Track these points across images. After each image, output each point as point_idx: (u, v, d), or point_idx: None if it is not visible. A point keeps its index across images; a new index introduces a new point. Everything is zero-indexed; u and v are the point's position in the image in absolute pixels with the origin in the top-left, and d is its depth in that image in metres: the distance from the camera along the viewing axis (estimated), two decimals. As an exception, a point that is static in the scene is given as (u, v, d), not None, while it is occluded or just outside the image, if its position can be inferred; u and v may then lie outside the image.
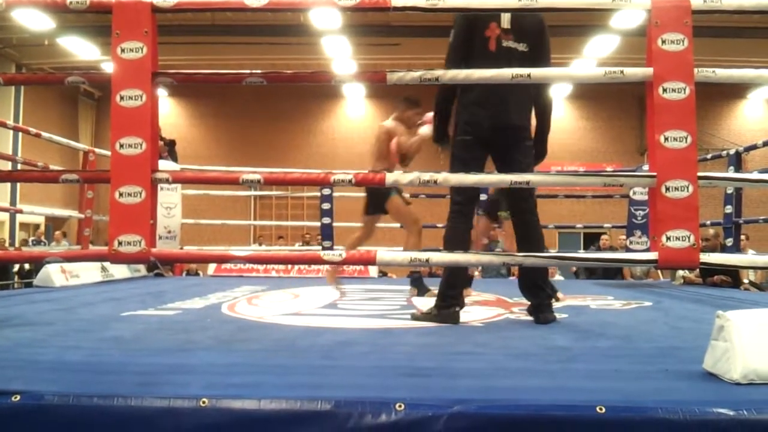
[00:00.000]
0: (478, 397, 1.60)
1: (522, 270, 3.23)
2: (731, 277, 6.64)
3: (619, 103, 16.81)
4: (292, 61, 14.71)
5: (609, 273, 7.66)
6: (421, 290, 4.64)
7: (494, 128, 3.14)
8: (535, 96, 3.22)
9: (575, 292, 5.00)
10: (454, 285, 3.18)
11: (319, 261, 2.00)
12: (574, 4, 2.01)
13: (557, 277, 8.12)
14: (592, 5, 2.05)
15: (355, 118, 18.88)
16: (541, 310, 3.21)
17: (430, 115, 4.40)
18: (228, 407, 1.57)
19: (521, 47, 3.07)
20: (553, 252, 5.69)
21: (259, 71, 2.25)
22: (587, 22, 13.13)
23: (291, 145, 18.45)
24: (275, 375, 1.93)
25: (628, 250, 6.68)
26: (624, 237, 7.43)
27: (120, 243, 2.05)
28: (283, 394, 1.63)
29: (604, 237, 8.82)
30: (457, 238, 3.15)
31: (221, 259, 2.55)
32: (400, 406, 1.53)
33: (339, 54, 14.56)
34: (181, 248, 6.18)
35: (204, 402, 1.56)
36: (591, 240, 9.93)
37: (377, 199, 4.84)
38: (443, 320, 3.10)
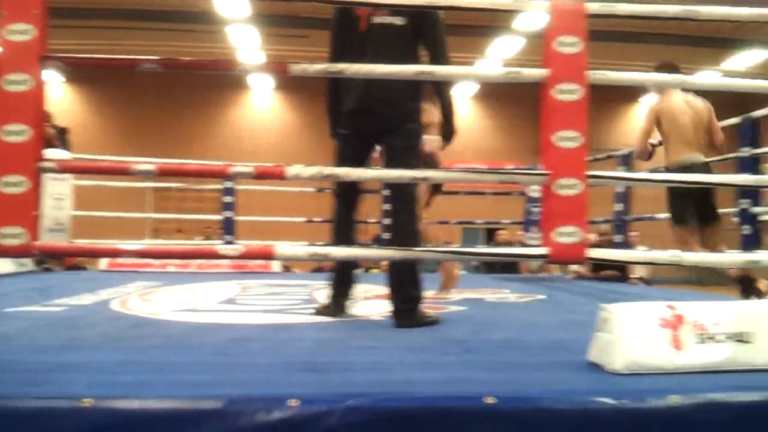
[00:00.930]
0: (373, 391, 1.60)
1: (389, 270, 3.06)
2: (620, 272, 7.01)
3: (521, 103, 17.38)
4: (197, 49, 14.29)
5: (507, 268, 7.91)
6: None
7: (363, 113, 2.94)
8: (415, 51, 2.93)
9: (474, 286, 5.13)
10: (342, 277, 3.12)
11: (214, 255, 1.94)
12: (476, 3, 2.04)
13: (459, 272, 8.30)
14: (493, 5, 2.10)
15: (262, 109, 18.57)
16: (400, 314, 2.94)
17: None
18: (111, 407, 1.50)
19: (398, 21, 2.84)
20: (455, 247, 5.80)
21: (154, 57, 2.16)
22: (491, 23, 13.48)
23: (194, 136, 17.90)
24: (165, 373, 1.88)
25: (524, 245, 6.91)
26: (522, 233, 7.68)
27: (0, 236, 1.92)
28: (172, 392, 1.58)
29: (501, 232, 9.09)
30: (336, 229, 3.09)
31: (110, 253, 2.44)
32: (293, 402, 1.51)
33: (245, 44, 14.27)
34: (72, 242, 5.88)
35: (85, 402, 1.48)
36: (493, 236, 10.29)
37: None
38: (332, 314, 3.08)
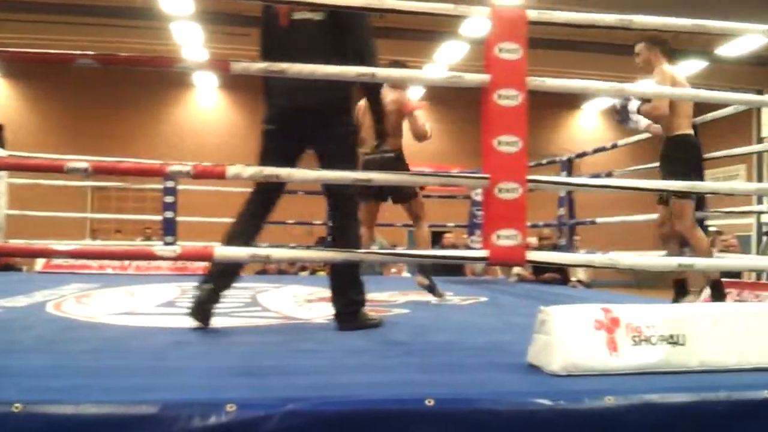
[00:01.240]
0: (312, 395, 1.59)
1: (330, 273, 2.99)
2: (561, 275, 7.15)
3: (467, 107, 17.57)
4: (140, 46, 13.96)
5: (451, 270, 7.99)
6: (433, 284, 4.43)
7: (293, 112, 2.80)
8: (342, 48, 2.74)
9: (418, 288, 5.15)
10: (220, 282, 2.78)
11: (151, 256, 1.89)
12: (418, 8, 2.06)
13: (404, 274, 8.34)
14: (434, 10, 2.11)
15: (206, 108, 18.28)
16: (342, 317, 2.89)
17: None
18: (44, 413, 1.45)
19: (317, 17, 2.74)
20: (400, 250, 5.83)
21: (91, 53, 2.10)
22: (438, 27, 13.59)
23: (135, 134, 17.49)
24: (100, 377, 1.83)
25: (469, 248, 6.98)
26: (466, 236, 7.77)
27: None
28: (106, 397, 1.53)
29: (447, 236, 9.17)
30: (241, 224, 2.86)
31: (43, 253, 2.36)
32: (231, 406, 1.48)
33: (189, 41, 14.02)
34: (6, 241, 5.66)
35: (17, 407, 1.43)
36: (439, 239, 10.42)
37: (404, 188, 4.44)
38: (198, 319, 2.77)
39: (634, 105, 3.93)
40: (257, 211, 2.90)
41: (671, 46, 4.04)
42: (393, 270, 8.66)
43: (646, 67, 3.98)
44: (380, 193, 4.50)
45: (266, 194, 2.91)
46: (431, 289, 4.41)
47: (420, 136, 4.40)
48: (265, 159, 2.82)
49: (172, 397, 1.54)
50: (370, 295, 4.33)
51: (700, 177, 3.76)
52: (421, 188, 4.56)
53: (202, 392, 1.63)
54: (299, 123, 2.80)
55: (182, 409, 1.48)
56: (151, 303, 3.91)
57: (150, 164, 2.03)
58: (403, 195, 4.45)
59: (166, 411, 1.47)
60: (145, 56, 2.09)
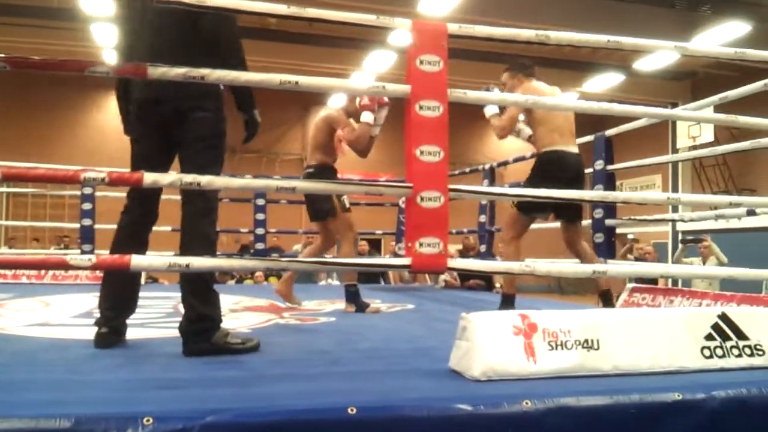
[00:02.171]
0: (233, 406, 1.57)
1: (180, 283, 2.52)
2: (486, 281, 7.30)
3: (398, 116, 17.68)
4: (59, 47, 13.46)
5: (371, 278, 8.10)
6: (360, 306, 4.22)
7: (149, 101, 2.56)
8: (209, 45, 2.46)
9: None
10: (105, 301, 2.61)
11: (64, 266, 1.83)
12: (340, 17, 2.07)
13: (326, 282, 8.34)
14: (358, 21, 2.13)
15: (130, 113, 17.77)
16: (188, 336, 2.44)
17: (366, 99, 4.01)
18: (-55, 431, 1.38)
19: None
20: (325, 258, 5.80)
21: (3, 55, 2.01)
22: (366, 36, 13.68)
23: (54, 138, 16.85)
24: (11, 392, 1.76)
25: (396, 255, 7.04)
26: (394, 243, 7.83)
27: None
28: (18, 412, 1.47)
29: (361, 243, 9.27)
30: (121, 241, 2.62)
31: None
32: (148, 420, 1.45)
33: (110, 43, 13.59)
34: None
35: None
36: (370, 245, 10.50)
37: (316, 204, 4.29)
38: (109, 342, 2.56)
39: (488, 110, 3.92)
40: (138, 219, 2.68)
41: (533, 68, 4.09)
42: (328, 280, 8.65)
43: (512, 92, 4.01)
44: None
45: (144, 201, 2.66)
46: (362, 310, 4.25)
47: (358, 152, 4.34)
48: (137, 165, 2.59)
49: (87, 411, 1.49)
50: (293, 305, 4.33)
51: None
52: (348, 209, 4.41)
53: (118, 405, 1.59)
54: (158, 113, 2.55)
55: (97, 423, 1.43)
56: (66, 313, 3.78)
57: (64, 170, 1.96)
58: (316, 213, 4.34)
59: (80, 426, 1.43)
60: (58, 60, 2.02)
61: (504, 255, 3.86)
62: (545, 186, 3.60)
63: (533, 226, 4.24)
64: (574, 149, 3.92)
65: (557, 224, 4.09)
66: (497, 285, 7.41)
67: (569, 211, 3.94)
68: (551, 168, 3.83)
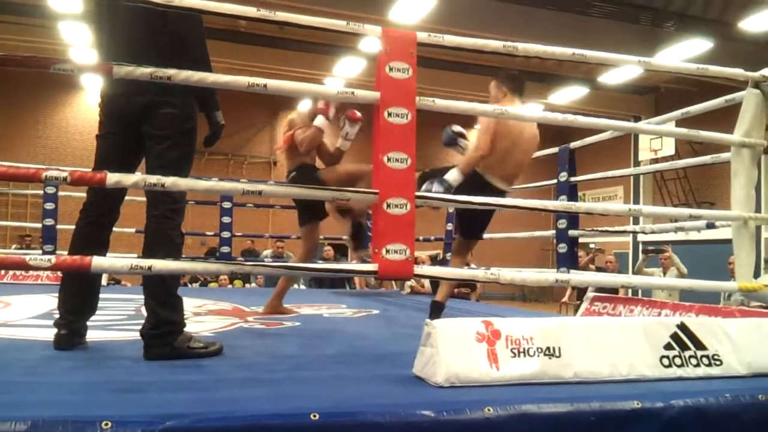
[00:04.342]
0: (193, 411, 1.55)
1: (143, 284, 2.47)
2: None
3: (369, 124, 17.67)
4: (24, 44, 13.21)
5: (336, 283, 8.09)
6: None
7: (123, 98, 2.50)
8: (175, 43, 2.44)
9: (312, 301, 5.14)
10: (64, 302, 2.56)
11: (24, 266, 1.79)
12: (310, 22, 2.07)
13: (296, 287, 8.29)
14: (328, 26, 2.13)
15: (96, 111, 17.45)
16: (149, 340, 2.39)
17: (322, 105, 3.97)
18: None
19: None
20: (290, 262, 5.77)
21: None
22: (338, 42, 13.69)
23: (16, 136, 16.55)
24: (-35, 395, 1.71)
25: (363, 260, 7.03)
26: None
27: None
28: (-29, 415, 1.43)
29: (326, 248, 9.24)
30: (74, 237, 2.57)
31: None
32: (106, 424, 1.42)
33: (78, 41, 13.38)
34: None
35: None
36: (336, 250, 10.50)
37: (307, 206, 4.25)
38: (67, 344, 2.51)
39: (448, 133, 4.02)
40: (99, 218, 2.61)
41: (523, 85, 3.98)
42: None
43: (495, 104, 3.81)
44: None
45: (105, 199, 2.57)
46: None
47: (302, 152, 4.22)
48: (102, 164, 2.48)
49: (44, 414, 1.46)
50: (259, 308, 4.30)
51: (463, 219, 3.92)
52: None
53: (77, 409, 1.57)
54: (126, 107, 2.49)
55: (54, 426, 1.41)
56: (25, 314, 3.70)
57: (25, 169, 1.92)
58: (309, 215, 4.31)
59: (36, 429, 1.40)
60: (22, 56, 1.98)
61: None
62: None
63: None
64: (502, 186, 3.82)
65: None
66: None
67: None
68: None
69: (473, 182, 3.67)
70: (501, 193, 3.74)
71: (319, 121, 4.04)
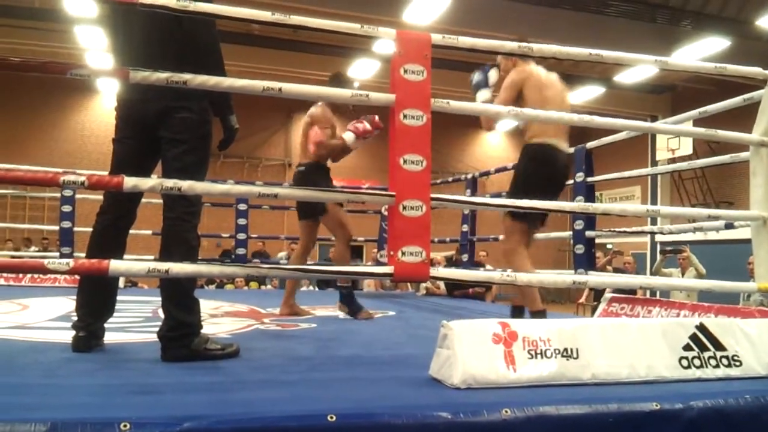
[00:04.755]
0: (211, 413, 1.55)
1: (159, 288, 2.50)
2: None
3: (385, 124, 17.69)
4: (41, 49, 13.36)
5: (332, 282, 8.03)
6: (353, 308, 4.11)
7: (133, 101, 2.54)
8: (190, 48, 2.45)
9: (326, 303, 5.15)
10: (82, 305, 2.59)
11: (42, 269, 1.81)
12: (325, 26, 2.07)
13: (308, 288, 8.32)
14: (342, 29, 2.13)
15: (111, 114, 17.60)
16: (167, 343, 2.40)
17: (361, 126, 3.94)
18: None
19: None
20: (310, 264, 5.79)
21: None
22: (351, 44, 13.71)
23: (34, 140, 16.72)
24: (-16, 397, 1.72)
25: (378, 262, 7.04)
26: (376, 250, 7.83)
27: None
28: (-7, 417, 1.45)
29: (332, 250, 9.25)
30: (92, 240, 2.60)
31: None
32: (125, 425, 1.43)
33: (94, 45, 13.51)
34: None
35: None
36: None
37: (308, 204, 4.25)
38: (86, 346, 2.53)
39: (480, 97, 3.64)
40: (115, 221, 2.62)
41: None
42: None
43: (507, 75, 3.60)
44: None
45: (121, 202, 2.59)
46: (354, 313, 4.21)
47: (317, 155, 4.20)
48: (118, 168, 2.51)
49: (63, 416, 1.47)
50: (275, 309, 4.31)
51: (536, 192, 2.95)
52: (341, 204, 4.32)
53: (95, 411, 1.57)
54: (143, 112, 2.52)
55: (73, 428, 1.41)
56: (44, 316, 3.74)
57: (43, 173, 1.94)
58: (305, 210, 4.33)
59: (55, 431, 1.40)
60: (39, 61, 2.00)
61: (510, 267, 3.48)
62: (532, 184, 3.37)
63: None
64: (565, 146, 3.58)
65: (539, 235, 4.00)
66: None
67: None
68: (539, 164, 3.48)
69: (540, 154, 3.49)
70: (564, 157, 3.57)
71: (350, 138, 4.02)
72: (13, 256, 9.10)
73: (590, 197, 5.27)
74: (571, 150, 5.34)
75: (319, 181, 4.03)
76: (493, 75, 3.67)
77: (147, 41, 2.49)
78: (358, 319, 4.09)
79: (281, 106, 18.53)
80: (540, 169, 3.47)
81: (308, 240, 4.44)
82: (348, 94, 2.22)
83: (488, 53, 2.45)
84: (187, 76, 2.01)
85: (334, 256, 4.13)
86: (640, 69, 14.17)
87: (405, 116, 2.06)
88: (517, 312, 3.69)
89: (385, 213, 6.98)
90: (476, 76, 3.70)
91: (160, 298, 2.45)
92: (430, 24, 11.49)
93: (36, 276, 5.94)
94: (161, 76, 1.98)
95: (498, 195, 5.37)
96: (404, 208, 2.05)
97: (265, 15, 2.02)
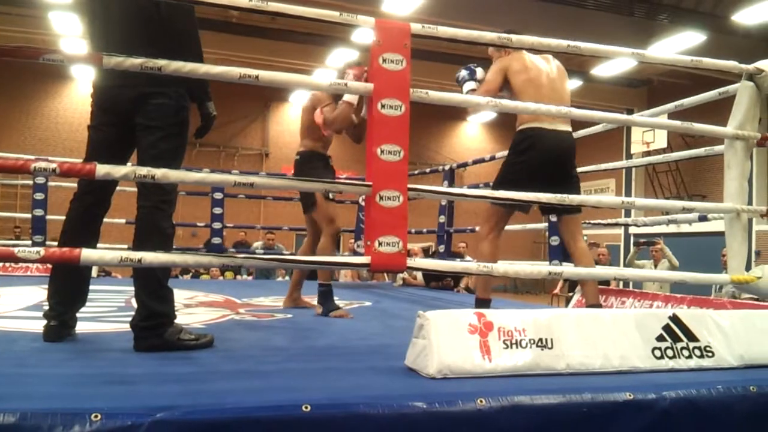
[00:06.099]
0: (184, 403, 1.54)
1: (133, 277, 2.47)
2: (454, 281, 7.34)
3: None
4: (13, 34, 13.10)
5: (313, 275, 8.00)
6: (328, 307, 3.91)
7: (109, 87, 2.49)
8: (167, 34, 2.41)
9: (304, 293, 5.12)
10: (53, 294, 2.55)
11: (12, 258, 1.77)
12: (303, 13, 2.05)
13: (285, 279, 8.28)
14: (320, 17, 2.11)
15: (86, 101, 17.37)
16: (140, 332, 2.37)
17: (351, 72, 3.70)
18: None
19: None
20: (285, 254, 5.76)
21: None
22: (330, 33, 13.64)
23: (5, 127, 16.44)
24: (-48, 387, 1.69)
25: (355, 253, 7.03)
26: (353, 240, 7.81)
27: None
28: (-41, 408, 1.42)
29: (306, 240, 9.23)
30: (65, 226, 2.56)
31: None
32: (96, 416, 1.41)
33: (69, 32, 13.28)
34: None
35: None
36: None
37: (304, 196, 4.18)
38: (56, 335, 2.50)
39: (466, 88, 3.60)
40: (89, 208, 2.58)
41: (519, 34, 3.30)
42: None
43: (497, 60, 3.55)
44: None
45: (96, 189, 2.54)
46: (327, 313, 3.97)
47: (334, 131, 4.13)
48: (92, 155, 2.46)
49: (33, 406, 1.44)
50: (252, 300, 4.29)
51: (519, 181, 3.09)
52: (333, 198, 4.25)
53: (66, 401, 1.54)
54: (119, 98, 2.46)
55: (43, 419, 1.39)
56: (15, 305, 3.68)
57: (14, 160, 1.90)
58: (303, 204, 4.25)
59: (25, 421, 1.38)
60: (12, 46, 1.95)
61: (477, 253, 3.47)
62: (515, 172, 3.37)
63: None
64: (562, 126, 3.42)
65: (515, 227, 4.02)
66: (461, 285, 7.46)
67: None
68: (525, 149, 3.39)
69: (524, 141, 3.42)
70: (562, 138, 3.45)
71: (349, 96, 3.79)
72: (-17, 245, 8.94)
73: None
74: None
75: (312, 171, 3.95)
76: (479, 72, 3.66)
77: (125, 27, 2.45)
78: (331, 317, 4.04)
79: (258, 95, 18.41)
80: (522, 156, 3.42)
81: (313, 232, 4.35)
82: (326, 83, 2.20)
83: (468, 43, 2.44)
84: (161, 62, 1.97)
85: (318, 248, 4.08)
86: (616, 62, 14.28)
87: (383, 106, 2.05)
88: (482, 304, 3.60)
89: (363, 203, 6.97)
90: (462, 72, 3.72)
91: (133, 288, 2.42)
92: (409, 14, 11.46)
93: (7, 265, 5.84)
94: (135, 61, 1.95)
95: (476, 187, 5.37)
96: (381, 198, 2.04)
97: (242, 1, 1.99)
